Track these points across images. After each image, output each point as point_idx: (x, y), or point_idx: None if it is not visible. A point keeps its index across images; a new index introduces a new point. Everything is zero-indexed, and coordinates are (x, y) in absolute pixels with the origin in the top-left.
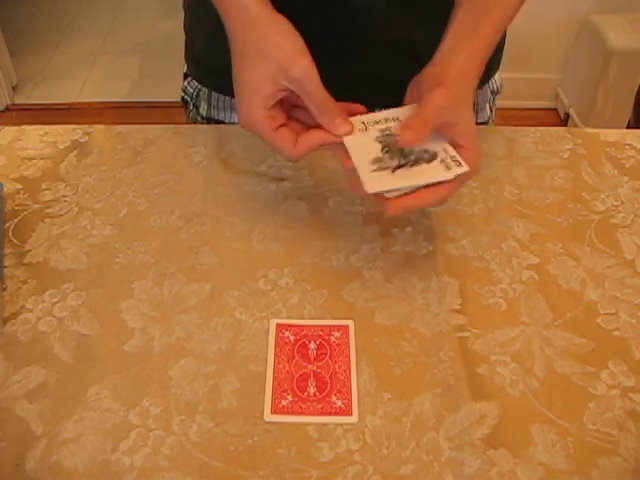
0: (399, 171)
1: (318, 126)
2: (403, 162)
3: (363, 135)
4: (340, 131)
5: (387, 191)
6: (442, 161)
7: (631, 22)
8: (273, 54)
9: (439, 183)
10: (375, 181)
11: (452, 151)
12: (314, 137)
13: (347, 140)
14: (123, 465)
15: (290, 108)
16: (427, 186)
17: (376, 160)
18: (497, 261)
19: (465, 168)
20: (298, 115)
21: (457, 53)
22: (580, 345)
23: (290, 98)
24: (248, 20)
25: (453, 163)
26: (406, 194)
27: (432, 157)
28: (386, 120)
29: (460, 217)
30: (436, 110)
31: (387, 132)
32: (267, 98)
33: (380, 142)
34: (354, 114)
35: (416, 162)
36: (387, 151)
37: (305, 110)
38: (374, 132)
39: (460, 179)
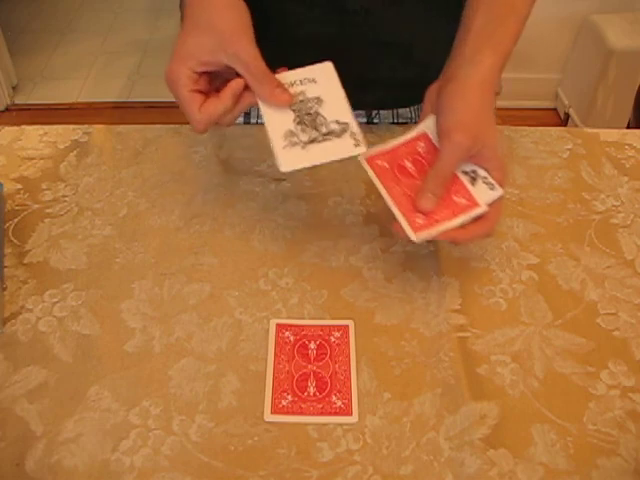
0: (310, 146)
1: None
2: (314, 136)
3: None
4: (281, 100)
5: (299, 169)
6: (352, 135)
7: (631, 22)
8: (218, 27)
9: (483, 217)
10: (288, 159)
11: (483, 172)
12: (217, 102)
13: (263, 108)
14: (123, 465)
15: (220, 84)
16: (475, 219)
17: (288, 134)
18: (497, 261)
19: (499, 191)
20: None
21: (478, 64)
22: (580, 345)
23: (223, 74)
24: None
25: (486, 186)
26: (455, 229)
27: (343, 130)
28: (302, 82)
29: None
30: (454, 163)
31: (301, 98)
32: (199, 63)
33: (294, 111)
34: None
35: (328, 134)
36: (299, 122)
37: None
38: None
39: (499, 203)
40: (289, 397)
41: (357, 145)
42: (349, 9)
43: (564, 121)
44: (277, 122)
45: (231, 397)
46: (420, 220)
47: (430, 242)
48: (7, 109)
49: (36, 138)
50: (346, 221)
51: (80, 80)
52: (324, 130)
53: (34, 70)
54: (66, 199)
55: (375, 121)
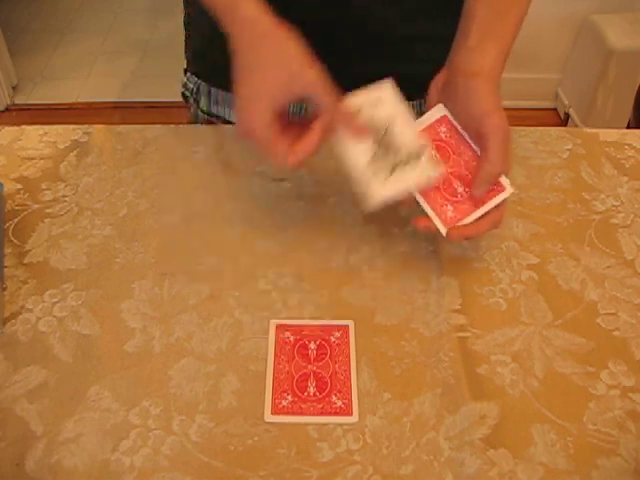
0: (394, 175)
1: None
2: (395, 162)
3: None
4: (359, 132)
5: (387, 198)
6: (429, 158)
7: (631, 22)
8: (284, 60)
9: (492, 210)
10: (376, 192)
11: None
12: (309, 141)
13: (340, 142)
14: (123, 465)
15: (285, 126)
16: (483, 215)
17: (369, 165)
18: (497, 261)
19: (510, 190)
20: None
21: (485, 55)
22: (580, 345)
23: (282, 119)
24: (257, 35)
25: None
26: (465, 226)
27: (419, 152)
28: (368, 105)
29: None
30: (503, 148)
31: (371, 124)
32: (273, 101)
33: (367, 139)
34: None
35: (407, 159)
36: (376, 150)
37: (296, 130)
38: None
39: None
40: (289, 397)
41: (435, 171)
42: (349, 7)
43: (564, 121)
44: (356, 154)
45: (231, 397)
46: (450, 213)
47: (430, 242)
48: (7, 109)
49: (36, 138)
50: (346, 221)
51: (80, 80)
52: (403, 156)
53: (34, 70)
54: (66, 199)
55: None
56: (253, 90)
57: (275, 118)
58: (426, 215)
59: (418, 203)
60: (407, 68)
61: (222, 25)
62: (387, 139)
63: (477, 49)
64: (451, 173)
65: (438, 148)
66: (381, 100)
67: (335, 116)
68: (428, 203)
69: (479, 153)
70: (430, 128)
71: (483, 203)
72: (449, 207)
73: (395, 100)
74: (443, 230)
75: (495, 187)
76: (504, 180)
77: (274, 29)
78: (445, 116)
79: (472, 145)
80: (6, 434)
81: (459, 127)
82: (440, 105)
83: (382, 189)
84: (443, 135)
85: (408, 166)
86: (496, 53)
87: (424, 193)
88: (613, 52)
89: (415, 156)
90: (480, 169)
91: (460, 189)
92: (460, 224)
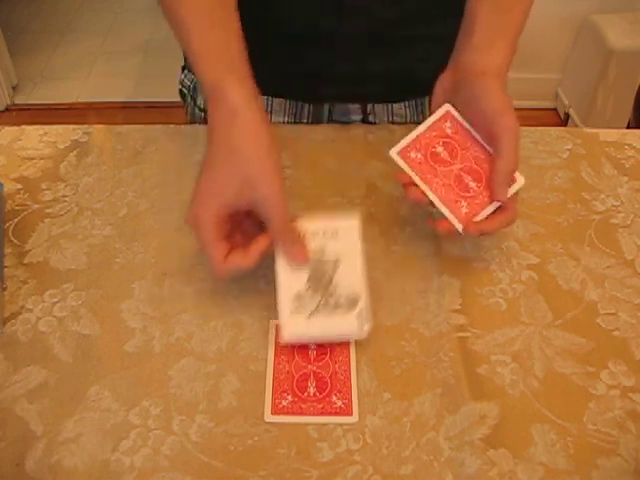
0: (315, 318)
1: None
2: (322, 303)
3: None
4: (298, 260)
5: (300, 338)
6: (359, 314)
7: (631, 22)
8: (248, 164)
9: (506, 205)
10: (291, 329)
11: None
12: (243, 259)
13: (278, 261)
14: (123, 465)
15: (244, 217)
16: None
17: (296, 297)
18: (497, 261)
19: (521, 180)
20: (247, 225)
21: (493, 54)
22: (580, 345)
23: (238, 216)
24: (235, 122)
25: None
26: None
27: (351, 306)
28: (324, 234)
29: None
30: (516, 147)
31: (319, 257)
32: (223, 206)
33: (308, 270)
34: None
35: (336, 308)
36: (310, 285)
37: (253, 223)
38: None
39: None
40: (289, 397)
41: (361, 328)
42: (349, 7)
43: (564, 121)
44: (289, 280)
45: (231, 397)
46: (465, 209)
47: (430, 242)
48: (7, 109)
49: (36, 138)
50: None
51: (80, 80)
52: (332, 302)
53: (34, 70)
54: (66, 199)
55: (370, 119)
56: (207, 190)
57: (223, 219)
58: (441, 216)
59: (429, 202)
60: (407, 68)
61: (206, 103)
62: (328, 276)
63: (483, 48)
64: (461, 169)
65: (445, 145)
66: (339, 234)
67: (281, 234)
68: (442, 202)
69: (488, 148)
70: (434, 125)
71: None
72: (463, 203)
73: (354, 239)
74: (459, 227)
75: None
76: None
77: (251, 126)
78: (448, 112)
79: (479, 140)
80: (6, 434)
81: (464, 122)
82: (446, 104)
83: (298, 327)
84: (449, 131)
85: (339, 310)
86: (503, 50)
87: (438, 194)
88: (613, 52)
89: (351, 302)
90: (496, 170)
91: (472, 184)
92: (476, 219)
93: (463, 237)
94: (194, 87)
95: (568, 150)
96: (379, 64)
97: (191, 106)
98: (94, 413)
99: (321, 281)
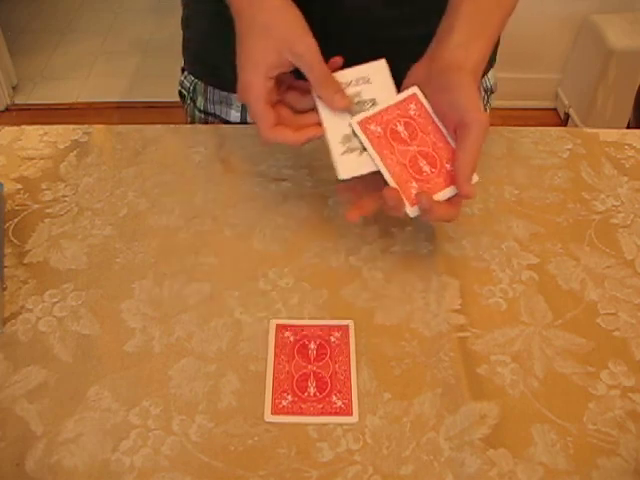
0: (365, 153)
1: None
2: None
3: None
4: (340, 106)
5: (354, 174)
6: None
7: (631, 22)
8: (280, 28)
9: (453, 201)
10: (347, 167)
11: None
12: (291, 136)
13: (322, 112)
14: (123, 465)
15: (285, 90)
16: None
17: (345, 138)
18: (497, 261)
19: (475, 178)
20: (290, 98)
21: (470, 51)
22: (580, 345)
23: (287, 79)
24: (263, 5)
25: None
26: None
27: None
28: (357, 82)
29: (460, 217)
30: (482, 142)
31: (357, 99)
32: (270, 68)
33: (351, 114)
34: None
35: None
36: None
37: (298, 93)
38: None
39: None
40: (289, 397)
41: None
42: (349, 7)
43: (564, 121)
44: (335, 126)
45: (231, 397)
46: (414, 191)
47: (430, 242)
48: (7, 109)
49: (36, 138)
50: (346, 221)
51: (80, 80)
52: None
53: (34, 70)
54: (66, 199)
55: None
56: (251, 56)
57: (270, 86)
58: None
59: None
60: (407, 69)
61: None
62: None
63: (463, 44)
64: (418, 152)
65: (406, 125)
66: (370, 77)
67: (321, 84)
68: (393, 178)
69: (448, 137)
70: (399, 104)
71: (447, 186)
72: (414, 184)
73: (385, 78)
74: (409, 209)
75: None
76: None
77: (277, 3)
78: (415, 95)
79: (441, 128)
80: (6, 434)
81: (430, 108)
82: (414, 87)
83: (352, 163)
84: (412, 112)
85: None
86: (481, 49)
87: (391, 169)
88: (613, 52)
89: None
90: (461, 162)
91: (426, 168)
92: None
93: (462, 237)
94: (194, 89)
95: (568, 150)
96: None
97: (191, 107)
98: (94, 413)
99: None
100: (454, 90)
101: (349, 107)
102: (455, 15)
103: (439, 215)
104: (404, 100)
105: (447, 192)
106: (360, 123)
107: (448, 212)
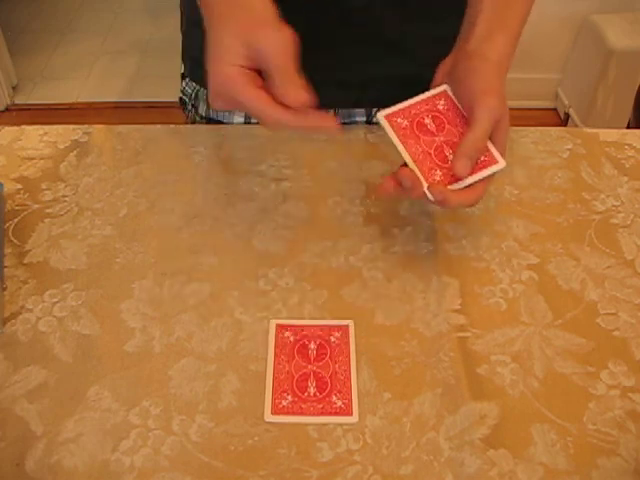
0: None
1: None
2: None
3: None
4: (295, 101)
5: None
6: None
7: (631, 22)
8: (244, 15)
9: (472, 186)
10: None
11: (489, 142)
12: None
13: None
14: (123, 465)
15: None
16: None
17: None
18: (497, 261)
19: (502, 163)
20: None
21: (493, 42)
22: (580, 345)
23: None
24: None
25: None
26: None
27: None
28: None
29: (460, 217)
30: (489, 127)
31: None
32: (240, 56)
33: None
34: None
35: None
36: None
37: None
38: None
39: (492, 177)
40: (289, 397)
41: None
42: (349, 7)
43: (564, 121)
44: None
45: (231, 397)
46: (438, 178)
47: (430, 242)
48: (7, 109)
49: (36, 138)
50: (346, 221)
51: (80, 80)
52: None
53: (34, 70)
54: (66, 199)
55: (374, 121)
56: (216, 43)
57: (252, 77)
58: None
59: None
60: (407, 69)
61: None
62: None
63: (484, 37)
64: (444, 141)
65: (434, 118)
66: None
67: (283, 85)
68: (417, 165)
69: None
70: (428, 100)
71: (472, 173)
72: (438, 172)
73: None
74: (425, 184)
75: (486, 159)
76: (495, 153)
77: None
78: (445, 91)
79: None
80: (6, 434)
81: (458, 104)
82: (444, 84)
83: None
84: (441, 107)
85: None
86: (504, 42)
87: (414, 156)
88: (613, 52)
89: None
90: (462, 141)
91: (451, 157)
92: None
93: (462, 237)
94: (196, 95)
95: (568, 150)
96: (379, 65)
97: (192, 114)
98: (94, 413)
99: None
100: (472, 77)
101: (306, 101)
102: (476, 9)
103: (457, 202)
104: (434, 96)
105: (474, 178)
106: (387, 117)
107: (468, 198)
